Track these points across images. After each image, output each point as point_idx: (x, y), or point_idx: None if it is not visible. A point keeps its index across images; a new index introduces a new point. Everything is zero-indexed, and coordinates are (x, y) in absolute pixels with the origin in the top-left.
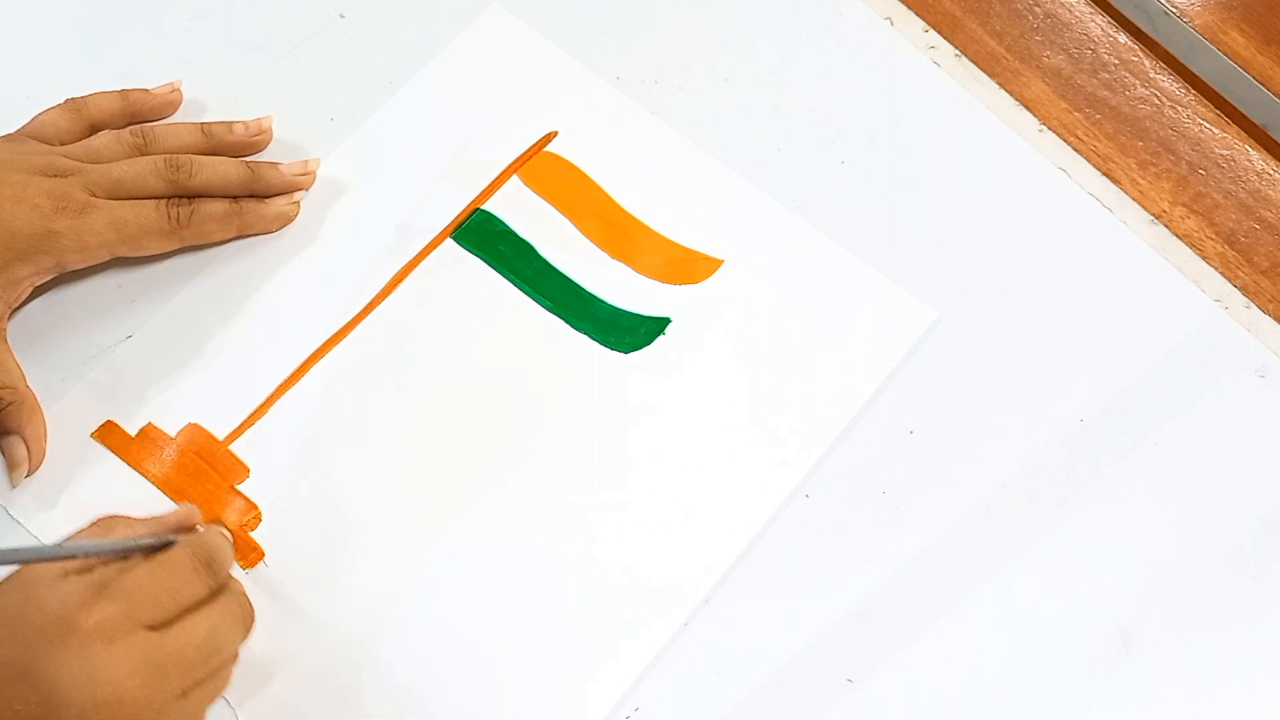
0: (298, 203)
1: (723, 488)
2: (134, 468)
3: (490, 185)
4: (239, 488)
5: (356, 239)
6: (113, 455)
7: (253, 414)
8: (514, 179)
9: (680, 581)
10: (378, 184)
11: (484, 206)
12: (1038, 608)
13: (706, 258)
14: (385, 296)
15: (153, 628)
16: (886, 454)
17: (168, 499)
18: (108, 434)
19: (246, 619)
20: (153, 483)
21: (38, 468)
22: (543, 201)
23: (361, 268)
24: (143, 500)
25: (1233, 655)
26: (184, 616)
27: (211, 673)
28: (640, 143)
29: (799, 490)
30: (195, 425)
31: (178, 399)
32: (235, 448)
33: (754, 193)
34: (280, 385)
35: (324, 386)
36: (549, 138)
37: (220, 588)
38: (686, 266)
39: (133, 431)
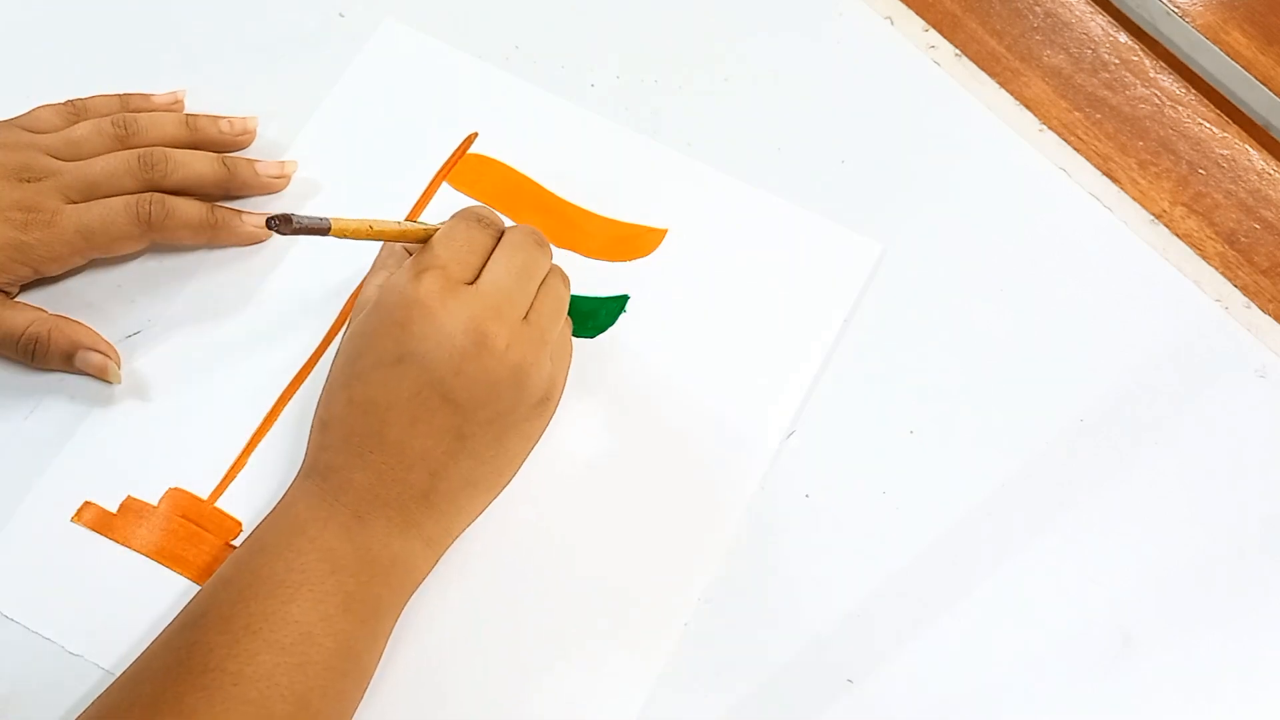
0: None
1: (716, 451)
2: (122, 544)
3: (422, 196)
4: (234, 543)
5: (301, 275)
6: (98, 535)
7: (232, 467)
8: (444, 186)
9: (688, 561)
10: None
11: (420, 219)
12: (1038, 608)
13: (650, 229)
14: (341, 327)
15: (469, 282)
16: (886, 454)
17: (164, 568)
18: (88, 515)
19: (538, 238)
20: (145, 555)
21: (119, 360)
22: (478, 204)
23: (312, 302)
24: (138, 575)
25: (1233, 655)
26: (488, 263)
27: (536, 293)
28: (562, 130)
29: (786, 440)
30: (177, 489)
31: (153, 467)
32: (222, 504)
33: (684, 160)
34: (255, 434)
35: (298, 425)
36: (471, 139)
37: (501, 231)
38: (632, 242)
39: (113, 508)
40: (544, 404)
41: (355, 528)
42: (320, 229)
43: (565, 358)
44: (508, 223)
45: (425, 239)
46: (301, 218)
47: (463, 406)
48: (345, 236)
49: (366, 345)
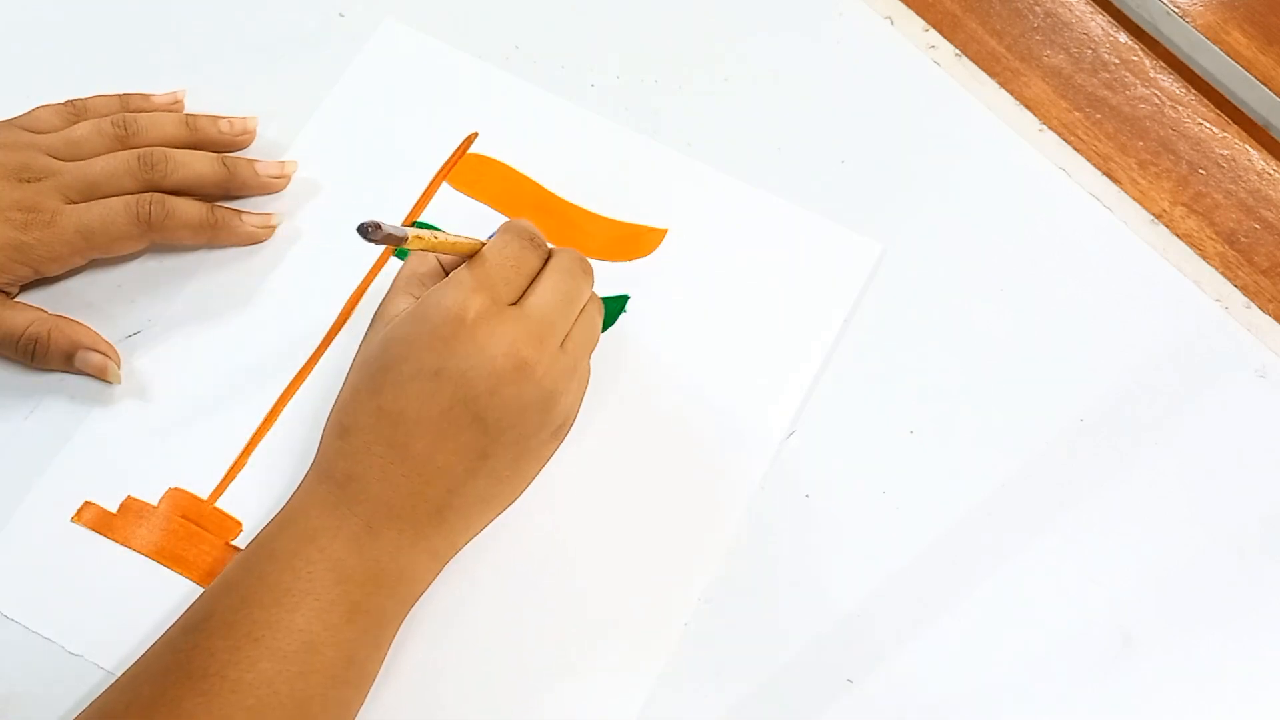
0: (273, 226)
1: (716, 451)
2: (122, 544)
3: (422, 196)
4: (235, 543)
5: (300, 276)
6: (98, 535)
7: (232, 467)
8: (444, 186)
9: (688, 561)
10: (307, 216)
11: (420, 219)
12: (1038, 608)
13: (651, 229)
14: (341, 327)
15: (512, 304)
16: (886, 454)
17: (164, 569)
18: (88, 515)
19: (584, 265)
20: (145, 555)
21: (119, 360)
22: (477, 203)
23: (312, 302)
24: (138, 575)
25: (1233, 655)
26: (532, 286)
27: (577, 320)
28: (561, 130)
29: (787, 440)
30: (177, 489)
31: (153, 467)
32: (222, 504)
33: (684, 160)
34: (255, 434)
35: (298, 425)
36: (471, 139)
37: (549, 253)
38: (633, 241)
39: (113, 508)
40: (562, 428)
41: (365, 539)
42: (400, 239)
43: (584, 384)
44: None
45: (471, 254)
46: (391, 226)
47: (491, 428)
48: (419, 248)
49: (403, 354)
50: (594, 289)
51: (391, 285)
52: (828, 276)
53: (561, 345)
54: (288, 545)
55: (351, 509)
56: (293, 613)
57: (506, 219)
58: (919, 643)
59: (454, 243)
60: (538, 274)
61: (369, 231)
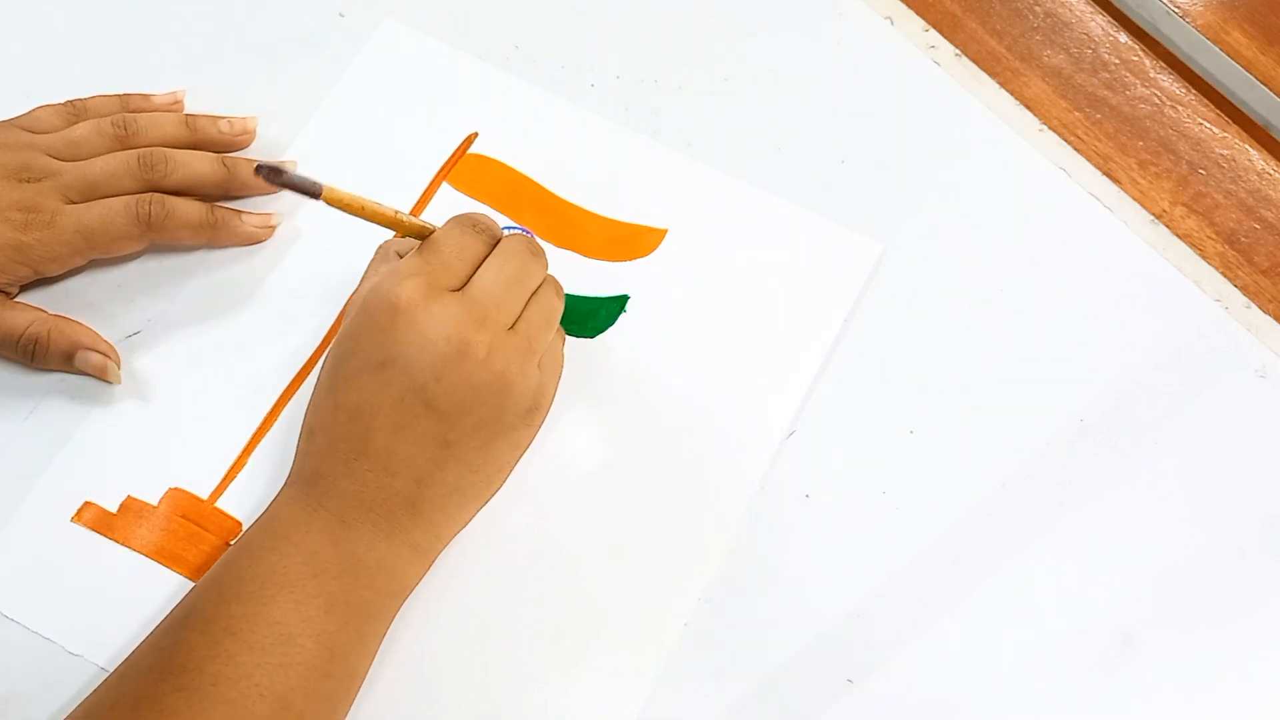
0: (273, 226)
1: (716, 451)
2: (122, 544)
3: (423, 196)
4: (234, 544)
5: (301, 276)
6: (98, 535)
7: (232, 467)
8: (444, 186)
9: (688, 561)
10: (307, 216)
11: (420, 219)
12: (1038, 608)
13: (650, 229)
14: (340, 327)
15: (455, 289)
16: (886, 454)
17: (164, 568)
18: (88, 515)
19: (533, 248)
20: (146, 555)
21: (119, 360)
22: (477, 203)
23: (312, 302)
24: (138, 575)
25: (1233, 655)
26: (478, 271)
27: (528, 303)
28: (562, 130)
29: (787, 440)
30: (177, 489)
31: (153, 467)
32: (222, 504)
33: (684, 160)
34: (255, 434)
35: (298, 426)
36: (471, 139)
37: (496, 239)
38: (632, 241)
39: (113, 508)
40: (532, 413)
41: (340, 532)
42: (310, 190)
43: (555, 368)
44: (505, 224)
45: (420, 236)
46: (294, 174)
47: (445, 413)
48: (336, 207)
49: (351, 349)
50: (550, 271)
51: (365, 271)
52: (828, 276)
53: (513, 327)
54: (264, 541)
55: (322, 504)
56: (269, 605)
57: (507, 219)
58: (919, 643)
59: (394, 218)
60: (485, 258)
61: (266, 174)
